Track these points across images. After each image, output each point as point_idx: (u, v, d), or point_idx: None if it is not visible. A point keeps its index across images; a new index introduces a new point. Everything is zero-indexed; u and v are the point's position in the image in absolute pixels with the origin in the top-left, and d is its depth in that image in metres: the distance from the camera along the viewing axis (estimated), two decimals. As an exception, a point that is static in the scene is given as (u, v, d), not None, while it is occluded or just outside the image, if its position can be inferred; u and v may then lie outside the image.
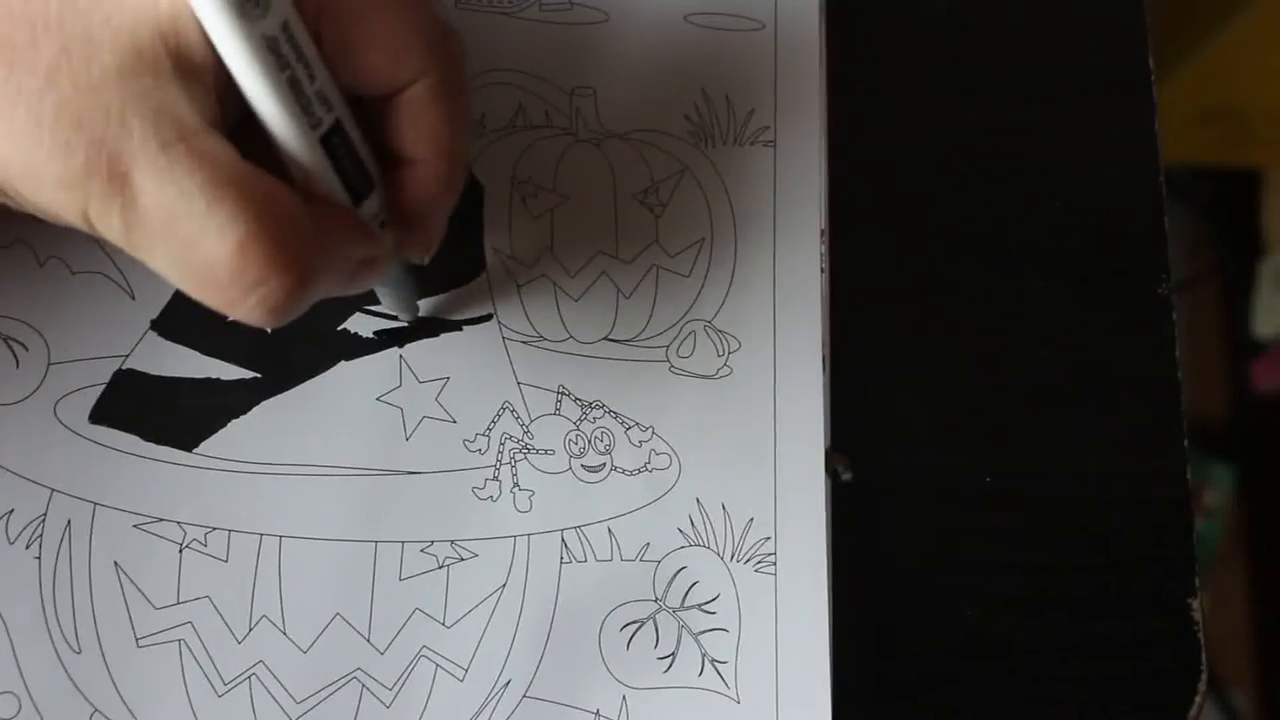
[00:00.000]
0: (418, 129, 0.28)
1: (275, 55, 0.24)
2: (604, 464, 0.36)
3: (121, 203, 0.23)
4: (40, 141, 0.23)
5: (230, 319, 0.25)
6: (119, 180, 0.23)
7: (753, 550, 0.35)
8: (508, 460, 0.35)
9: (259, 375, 0.35)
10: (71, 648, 0.33)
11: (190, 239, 0.24)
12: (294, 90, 0.25)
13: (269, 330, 0.35)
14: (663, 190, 0.38)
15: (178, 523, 0.34)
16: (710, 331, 0.37)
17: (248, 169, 0.24)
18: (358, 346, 0.36)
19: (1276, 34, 0.91)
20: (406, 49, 0.26)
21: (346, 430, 0.35)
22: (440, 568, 0.34)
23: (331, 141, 0.26)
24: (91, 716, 0.32)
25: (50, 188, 0.23)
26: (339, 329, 0.36)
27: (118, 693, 0.33)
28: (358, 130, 0.27)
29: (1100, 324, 0.39)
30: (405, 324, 0.36)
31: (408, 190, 0.29)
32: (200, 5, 0.23)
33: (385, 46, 0.26)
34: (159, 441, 0.34)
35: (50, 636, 0.33)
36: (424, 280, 0.36)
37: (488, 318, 0.37)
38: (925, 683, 0.35)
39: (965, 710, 0.35)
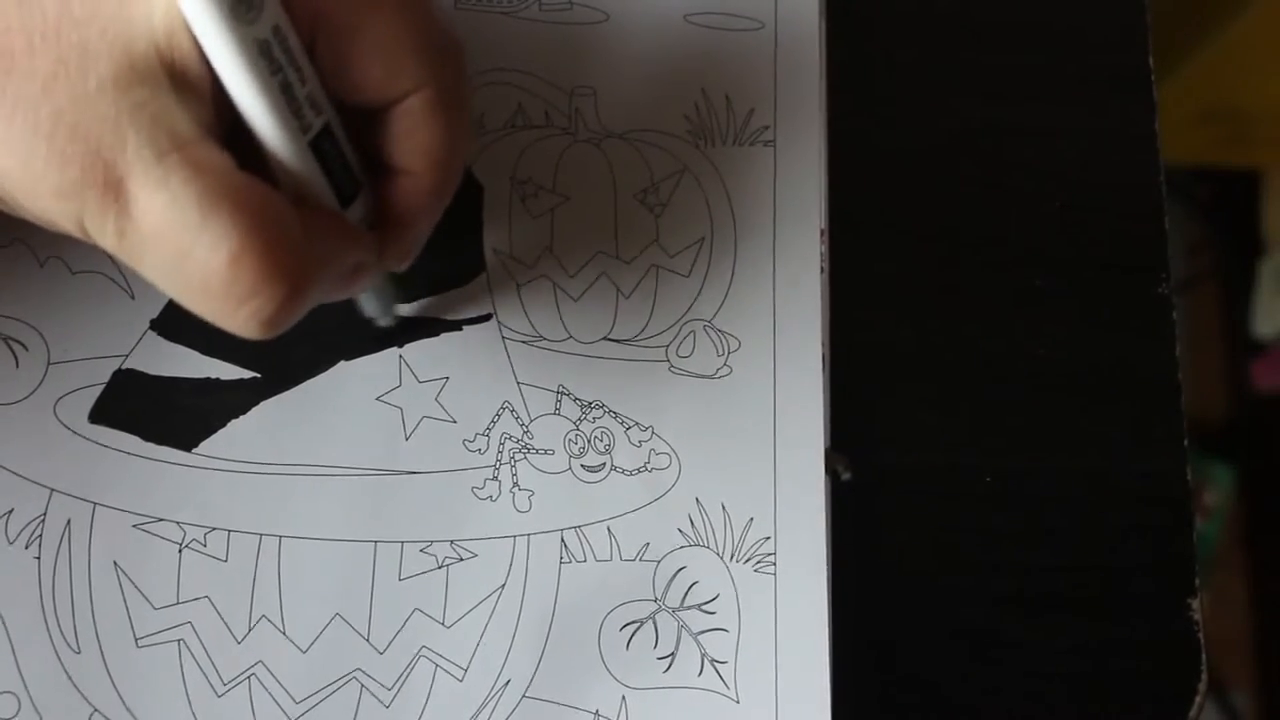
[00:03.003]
0: (411, 141, 0.27)
1: (267, 59, 0.24)
2: (604, 464, 0.36)
3: (116, 212, 0.23)
4: (37, 150, 0.23)
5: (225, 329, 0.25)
6: (114, 190, 0.23)
7: (752, 550, 0.35)
8: (507, 460, 0.35)
9: (259, 375, 0.35)
10: (71, 647, 0.33)
11: (184, 250, 0.24)
12: (285, 94, 0.25)
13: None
14: (662, 190, 0.38)
15: (177, 523, 0.34)
16: (710, 331, 0.37)
17: (243, 179, 0.24)
18: (357, 346, 0.36)
19: (1276, 34, 0.91)
20: (404, 62, 0.26)
21: (346, 430, 0.35)
22: (440, 568, 0.34)
23: (321, 146, 0.26)
24: (91, 716, 0.32)
25: (46, 197, 0.23)
26: (339, 329, 0.36)
27: (117, 693, 0.33)
28: (345, 134, 0.27)
29: (1100, 323, 0.39)
30: (398, 324, 0.36)
31: (396, 200, 0.28)
32: (192, 10, 0.23)
33: (382, 59, 0.26)
34: (158, 441, 0.34)
35: (50, 636, 0.33)
36: (424, 280, 0.36)
37: (487, 318, 0.37)
38: (925, 682, 0.35)
39: (965, 710, 0.35)
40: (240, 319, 0.25)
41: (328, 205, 0.27)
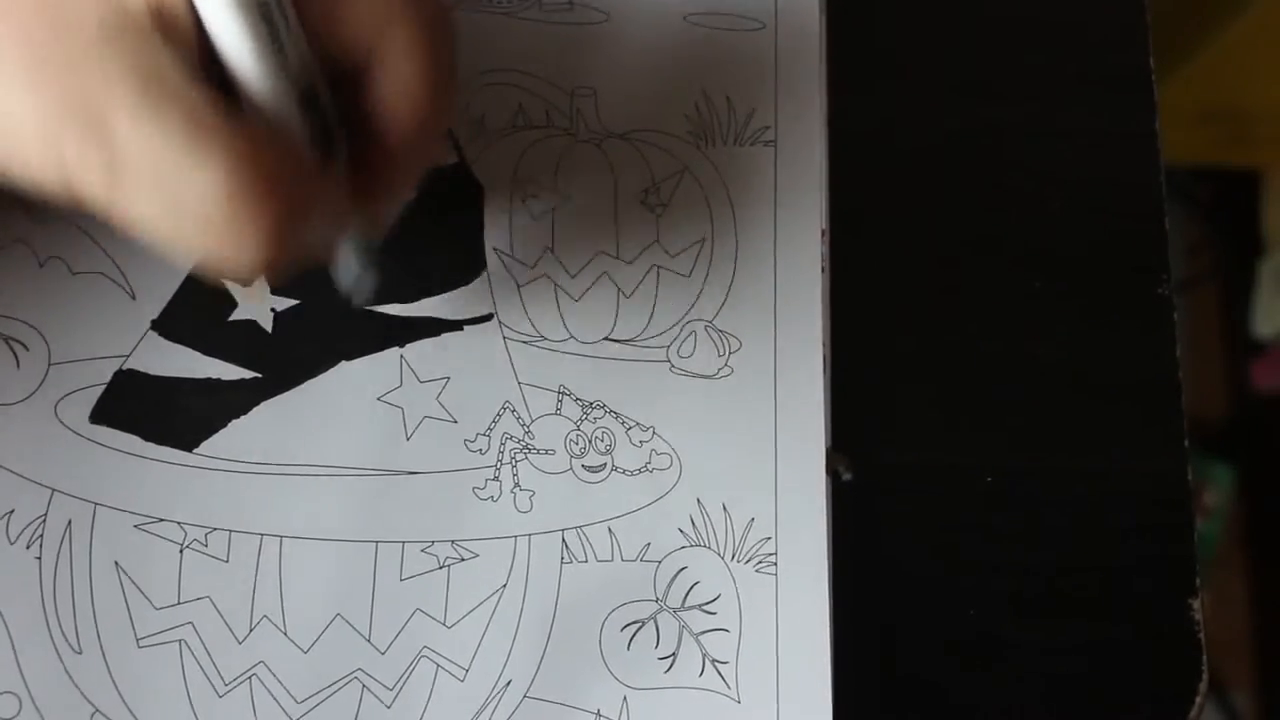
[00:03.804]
0: (392, 102, 0.27)
1: (266, 23, 0.24)
2: (605, 464, 0.36)
3: (98, 145, 0.23)
4: (24, 100, 0.23)
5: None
6: (97, 126, 0.23)
7: (753, 550, 0.35)
8: (508, 460, 0.35)
9: (259, 375, 0.35)
10: (72, 648, 0.33)
11: (172, 180, 0.23)
12: (273, 43, 0.25)
13: (268, 330, 0.35)
14: (663, 190, 0.38)
15: (178, 523, 0.34)
16: (711, 331, 0.37)
17: (233, 118, 0.24)
18: (358, 346, 0.36)
19: (1276, 34, 0.91)
20: (391, 17, 0.26)
21: (347, 430, 0.35)
22: (441, 568, 0.34)
23: (305, 102, 0.26)
24: (92, 716, 0.32)
25: (28, 140, 0.23)
26: (340, 329, 0.36)
27: (118, 693, 0.33)
28: (328, 90, 0.27)
29: (1100, 324, 0.39)
30: (401, 320, 0.36)
31: (373, 159, 0.28)
32: None
33: (369, 13, 0.26)
34: (159, 441, 0.34)
35: (51, 636, 0.33)
36: (425, 280, 0.36)
37: (488, 318, 0.37)
38: (925, 682, 0.35)
39: (965, 710, 0.35)
40: (231, 251, 0.24)
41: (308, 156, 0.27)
